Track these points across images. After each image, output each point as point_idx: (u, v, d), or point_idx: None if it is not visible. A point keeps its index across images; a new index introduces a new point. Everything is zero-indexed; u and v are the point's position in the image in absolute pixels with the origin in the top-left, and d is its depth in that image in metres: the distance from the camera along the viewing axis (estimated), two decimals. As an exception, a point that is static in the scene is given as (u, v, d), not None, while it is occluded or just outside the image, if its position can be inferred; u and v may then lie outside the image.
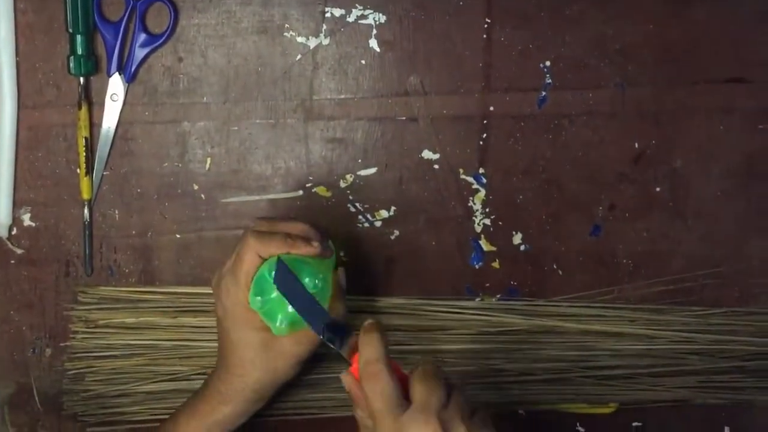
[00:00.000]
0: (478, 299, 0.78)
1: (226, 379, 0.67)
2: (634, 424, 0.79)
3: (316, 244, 0.64)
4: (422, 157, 0.76)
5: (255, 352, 0.66)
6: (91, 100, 0.75)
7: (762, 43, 0.75)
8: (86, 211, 0.76)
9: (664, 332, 0.77)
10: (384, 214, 0.77)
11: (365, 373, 0.56)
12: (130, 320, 0.77)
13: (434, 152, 0.76)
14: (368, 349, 0.57)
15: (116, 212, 0.77)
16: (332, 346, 0.60)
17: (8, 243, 0.77)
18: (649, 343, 0.77)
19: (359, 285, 0.77)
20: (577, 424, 0.79)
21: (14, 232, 0.77)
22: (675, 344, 0.77)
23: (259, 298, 0.64)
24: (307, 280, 0.63)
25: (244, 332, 0.66)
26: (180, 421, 0.68)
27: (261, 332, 0.65)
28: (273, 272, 0.62)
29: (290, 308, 0.63)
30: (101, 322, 0.77)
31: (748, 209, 0.77)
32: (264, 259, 0.64)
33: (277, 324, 0.64)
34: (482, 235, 0.77)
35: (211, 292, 0.69)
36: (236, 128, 0.76)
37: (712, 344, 0.77)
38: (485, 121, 0.76)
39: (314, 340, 0.65)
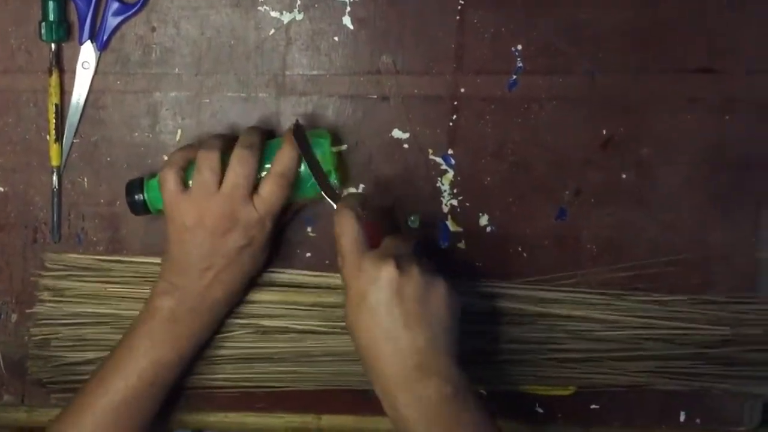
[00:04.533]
0: (442, 279, 0.78)
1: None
2: (592, 406, 0.80)
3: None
4: (392, 136, 0.77)
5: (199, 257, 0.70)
6: (62, 67, 0.75)
7: (731, 34, 0.75)
8: (55, 178, 0.76)
9: (625, 318, 0.78)
10: (353, 191, 0.77)
11: (336, 217, 0.66)
12: (97, 288, 0.77)
13: (404, 132, 0.77)
14: (346, 200, 0.67)
15: (85, 180, 0.77)
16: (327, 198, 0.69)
17: (-24, 207, 0.77)
18: (610, 328, 0.78)
19: (324, 262, 0.78)
20: (537, 405, 0.80)
21: (-18, 196, 0.77)
22: (635, 330, 0.78)
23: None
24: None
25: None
26: (106, 379, 0.71)
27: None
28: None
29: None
30: (68, 289, 0.77)
31: (711, 199, 0.77)
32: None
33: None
34: (449, 216, 0.78)
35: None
36: (208, 101, 0.76)
37: (672, 330, 0.78)
38: (455, 103, 0.76)
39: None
